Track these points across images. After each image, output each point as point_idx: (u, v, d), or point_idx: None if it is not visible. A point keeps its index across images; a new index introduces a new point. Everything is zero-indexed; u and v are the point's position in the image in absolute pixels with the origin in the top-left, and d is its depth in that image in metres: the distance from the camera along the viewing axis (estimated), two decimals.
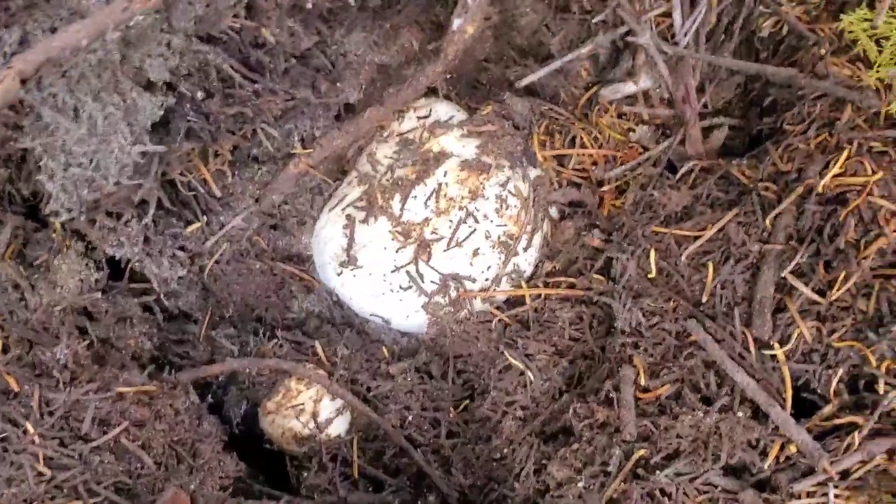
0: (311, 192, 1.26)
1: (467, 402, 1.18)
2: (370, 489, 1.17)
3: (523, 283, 1.18)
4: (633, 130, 1.24)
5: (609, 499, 0.92)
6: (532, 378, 1.11)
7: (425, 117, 1.22)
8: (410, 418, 1.17)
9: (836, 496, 0.86)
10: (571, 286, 1.16)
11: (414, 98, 1.22)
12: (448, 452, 1.16)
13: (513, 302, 1.19)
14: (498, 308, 1.18)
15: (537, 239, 1.19)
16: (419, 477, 1.16)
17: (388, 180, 1.17)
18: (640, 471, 0.94)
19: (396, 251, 1.15)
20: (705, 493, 0.90)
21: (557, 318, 1.16)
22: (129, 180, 0.99)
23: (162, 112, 0.99)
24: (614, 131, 1.22)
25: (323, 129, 1.24)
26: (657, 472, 0.92)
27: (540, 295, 1.17)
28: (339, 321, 1.25)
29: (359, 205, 1.18)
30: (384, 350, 1.22)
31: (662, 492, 0.91)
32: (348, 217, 1.18)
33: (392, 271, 1.15)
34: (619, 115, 1.22)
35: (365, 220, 1.17)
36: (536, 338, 1.15)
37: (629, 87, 1.20)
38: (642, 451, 0.95)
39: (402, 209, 1.16)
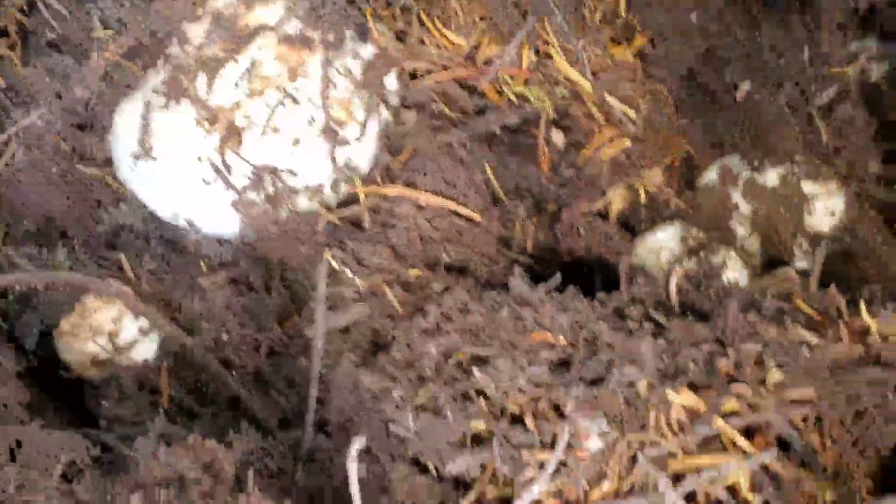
0: (123, 86, 1.09)
1: (295, 316, 1.01)
2: (183, 419, 1.01)
3: (357, 179, 1.01)
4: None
5: (421, 405, 0.76)
6: (360, 285, 0.95)
7: None
8: (227, 338, 1.00)
9: None
10: (413, 186, 1.00)
11: None
12: (269, 374, 0.99)
13: (346, 200, 1.03)
14: (327, 207, 1.01)
15: (372, 128, 1.02)
16: (237, 403, 1.00)
17: (194, 60, 1.00)
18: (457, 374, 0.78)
19: (201, 140, 0.98)
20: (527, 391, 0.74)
21: (397, 220, 0.99)
22: None
23: None
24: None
25: (129, 9, 1.08)
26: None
27: (377, 193, 1.00)
28: (154, 234, 1.08)
29: (161, 89, 1.00)
30: (202, 264, 1.05)
31: (480, 392, 0.76)
32: (146, 104, 1.00)
33: (194, 163, 0.97)
34: None
35: (165, 106, 0.99)
36: (370, 240, 0.98)
37: None
38: (461, 354, 0.79)
39: (208, 91, 0.98)
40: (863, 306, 0.69)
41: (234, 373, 0.99)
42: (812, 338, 0.68)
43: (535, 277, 0.97)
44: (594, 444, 0.68)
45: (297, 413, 0.96)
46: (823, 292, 0.73)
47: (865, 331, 0.69)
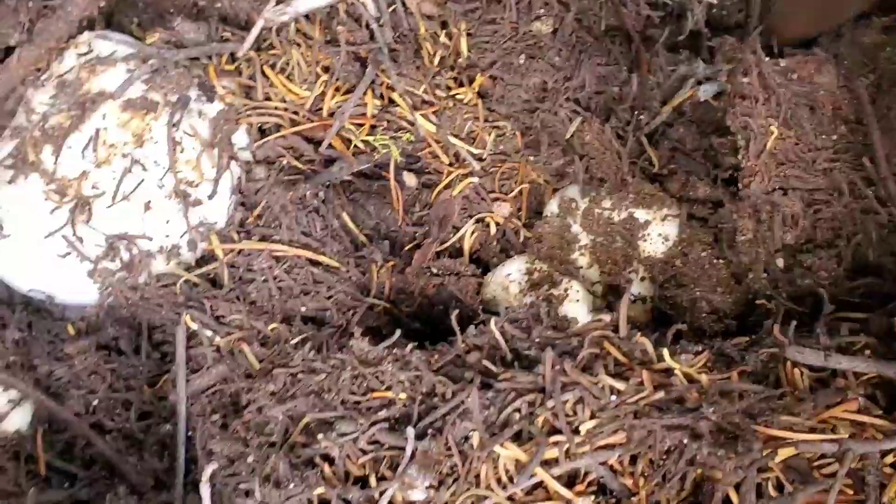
0: None
1: (166, 377, 1.03)
2: (64, 484, 1.02)
3: (213, 237, 1.03)
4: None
5: (266, 475, 0.79)
6: (220, 344, 0.97)
7: (85, 54, 1.05)
8: (96, 402, 1.02)
9: None
10: (269, 240, 1.02)
11: (69, 33, 1.05)
12: (140, 436, 1.01)
13: (205, 259, 1.04)
14: (187, 268, 1.03)
15: (225, 185, 1.03)
16: (112, 465, 1.01)
17: (39, 131, 1.00)
18: (303, 439, 0.82)
19: (51, 213, 0.98)
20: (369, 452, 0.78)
21: (255, 274, 1.02)
22: None
23: None
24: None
25: None
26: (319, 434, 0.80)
27: (234, 249, 1.02)
28: (18, 301, 1.08)
29: (7, 163, 1.00)
30: (69, 329, 1.06)
31: (325, 457, 0.79)
32: None
33: (46, 237, 0.98)
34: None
35: (13, 180, 0.99)
36: (229, 297, 1.01)
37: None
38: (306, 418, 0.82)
39: (55, 163, 0.99)
40: (665, 352, 0.74)
41: (107, 437, 1.01)
42: (619, 384, 0.73)
43: (395, 321, 1.00)
44: (418, 496, 0.72)
45: (170, 474, 0.99)
46: (632, 337, 0.78)
47: (669, 371, 0.74)
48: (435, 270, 1.01)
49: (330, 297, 0.99)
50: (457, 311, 0.87)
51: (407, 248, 1.07)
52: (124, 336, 1.04)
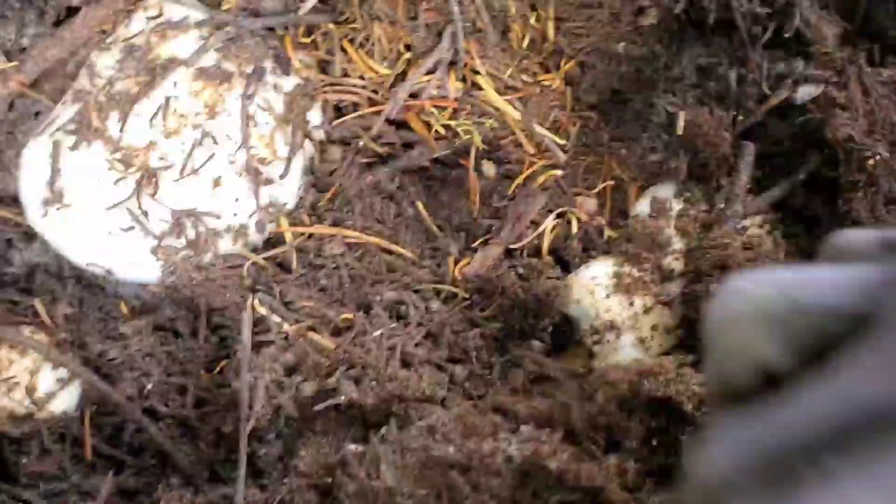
0: (31, 118, 1.04)
1: (224, 362, 0.98)
2: (110, 471, 0.97)
3: (283, 218, 0.97)
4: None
5: None
6: (289, 330, 0.92)
7: (155, 17, 0.99)
8: (150, 386, 0.97)
9: None
10: (341, 225, 0.97)
11: None
12: (196, 423, 0.96)
13: (272, 241, 0.99)
14: (254, 250, 0.98)
15: (298, 164, 0.98)
16: (164, 454, 0.96)
17: (105, 96, 0.95)
18: None
19: (115, 183, 0.93)
20: None
21: (326, 260, 0.96)
22: None
23: None
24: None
25: (33, 37, 1.02)
26: None
27: (304, 233, 0.97)
28: (68, 275, 1.03)
29: (69, 128, 0.95)
30: (122, 307, 1.01)
31: None
32: (55, 143, 0.94)
33: (109, 209, 0.92)
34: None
35: (75, 146, 0.94)
36: (298, 282, 0.95)
37: None
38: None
39: (121, 131, 0.93)
40: None
41: (159, 423, 0.95)
42: None
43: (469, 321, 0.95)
44: None
45: (227, 466, 0.93)
46: None
47: None
48: (521, 270, 0.96)
49: (407, 287, 0.94)
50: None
51: (479, 241, 1.01)
52: (182, 318, 0.99)
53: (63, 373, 0.96)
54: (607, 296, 0.92)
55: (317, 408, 0.87)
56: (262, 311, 0.91)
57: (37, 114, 1.04)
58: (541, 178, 1.00)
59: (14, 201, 1.03)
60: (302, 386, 0.89)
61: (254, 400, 0.88)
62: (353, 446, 0.84)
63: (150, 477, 0.96)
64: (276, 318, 0.91)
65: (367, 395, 0.88)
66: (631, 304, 0.91)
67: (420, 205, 0.99)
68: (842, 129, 0.90)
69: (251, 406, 0.88)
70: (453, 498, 0.76)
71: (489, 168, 1.01)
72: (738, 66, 1.00)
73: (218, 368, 0.98)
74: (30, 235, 1.03)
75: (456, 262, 0.97)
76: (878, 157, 0.89)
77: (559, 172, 1.01)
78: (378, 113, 0.97)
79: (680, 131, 0.94)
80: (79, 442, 0.97)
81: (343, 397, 0.88)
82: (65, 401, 0.97)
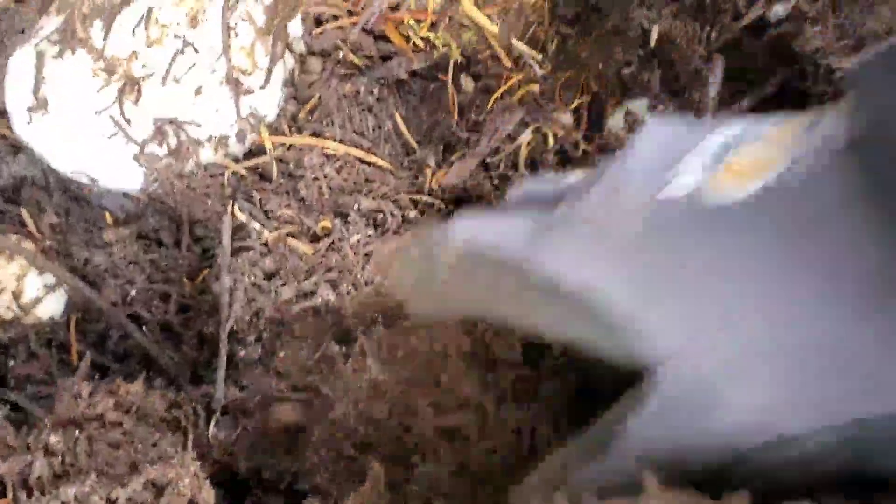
0: (15, 32, 1.05)
1: (207, 271, 1.00)
2: (95, 376, 0.99)
3: (263, 129, 0.99)
4: None
5: None
6: (268, 237, 0.94)
7: None
8: (134, 293, 0.99)
9: None
10: (321, 136, 0.98)
11: None
12: (179, 328, 0.99)
13: (253, 152, 1.01)
14: (235, 160, 1.00)
15: (278, 76, 0.99)
16: (149, 359, 0.99)
17: (89, 7, 0.96)
18: None
19: (98, 91, 0.94)
20: None
21: (305, 171, 0.98)
22: None
23: None
24: None
25: None
26: None
27: (284, 143, 0.98)
28: (55, 187, 1.05)
29: (54, 38, 0.96)
30: (107, 217, 1.03)
31: None
32: (39, 53, 0.96)
33: (92, 116, 0.94)
34: None
35: (59, 55, 0.95)
36: (278, 191, 0.97)
37: None
38: None
39: (104, 40, 0.95)
40: None
41: (143, 328, 0.98)
42: None
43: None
44: None
45: (209, 367, 0.96)
46: None
47: None
48: (496, 181, 0.98)
49: (384, 197, 0.96)
50: None
51: (457, 154, 1.03)
52: (165, 227, 1.01)
53: (49, 279, 0.98)
54: None
55: (294, 308, 0.89)
56: (242, 217, 0.94)
57: (23, 30, 1.05)
58: (518, 93, 1.02)
59: (2, 115, 1.04)
60: (281, 289, 0.92)
61: (233, 302, 0.90)
62: (337, 346, 0.87)
63: (135, 380, 0.98)
64: (255, 225, 0.93)
65: (344, 299, 0.90)
66: None
67: (398, 117, 1.00)
68: (811, 41, 0.92)
69: (230, 308, 0.91)
70: (439, 382, 0.78)
71: (467, 82, 1.02)
72: None
73: (201, 277, 1.00)
74: (16, 148, 1.05)
75: (433, 174, 0.98)
76: (845, 69, 0.90)
77: (536, 87, 1.02)
78: (358, 24, 0.98)
79: (653, 44, 0.95)
80: (65, 347, 1.00)
81: (320, 300, 0.90)
82: (51, 307, 0.99)
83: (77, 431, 0.70)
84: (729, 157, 0.50)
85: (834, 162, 0.46)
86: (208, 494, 0.71)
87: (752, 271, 0.47)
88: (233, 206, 0.93)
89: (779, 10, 1.02)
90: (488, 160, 1.01)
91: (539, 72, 1.01)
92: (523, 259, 0.50)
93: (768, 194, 0.47)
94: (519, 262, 0.50)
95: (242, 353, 0.93)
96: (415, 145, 1.03)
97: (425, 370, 0.81)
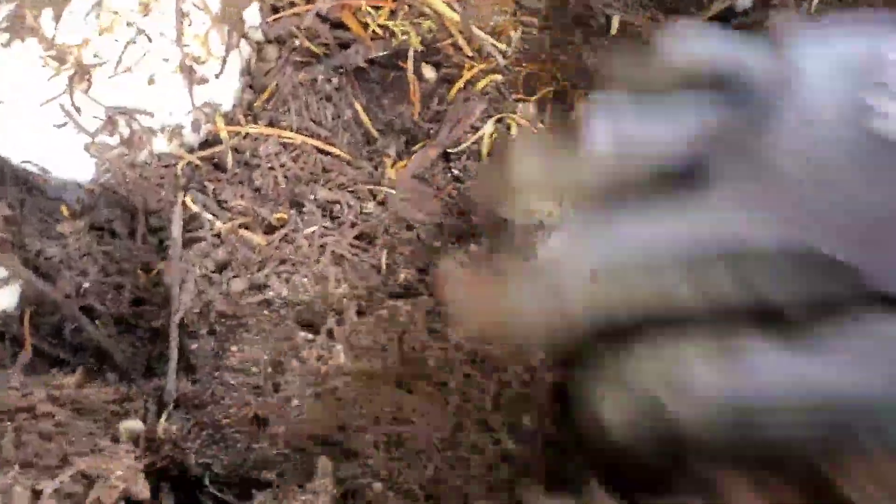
0: None
1: (161, 263, 0.98)
2: (49, 369, 0.98)
3: (218, 118, 0.97)
4: None
5: None
6: (221, 228, 0.92)
7: None
8: (88, 285, 0.97)
9: None
10: (277, 125, 0.96)
11: None
12: (132, 321, 0.97)
13: (209, 142, 0.99)
14: (190, 150, 0.98)
15: (234, 64, 0.98)
16: (102, 352, 0.97)
17: None
18: None
19: (48, 80, 0.93)
20: None
21: (261, 160, 0.96)
22: None
23: None
24: None
25: None
26: None
27: (239, 132, 0.97)
28: (8, 176, 1.03)
29: (3, 26, 0.94)
30: (63, 209, 1.01)
31: None
32: None
33: (42, 105, 0.92)
34: None
35: (8, 44, 0.93)
36: (232, 181, 0.96)
37: None
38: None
39: (55, 28, 0.93)
40: None
41: (97, 321, 0.96)
42: None
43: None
44: None
45: (162, 360, 0.94)
46: None
47: None
48: (457, 173, 0.96)
49: (342, 187, 0.94)
50: None
51: (419, 145, 1.01)
52: (119, 218, 0.99)
53: (2, 272, 0.97)
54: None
55: (245, 301, 0.88)
56: (195, 208, 0.92)
57: None
58: (481, 83, 1.00)
59: None
60: (232, 281, 0.90)
61: (183, 294, 0.89)
62: (303, 333, 0.85)
63: (88, 373, 0.97)
64: (208, 216, 0.92)
65: (297, 292, 0.89)
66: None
67: (358, 106, 0.99)
68: (777, 26, 0.90)
69: (180, 300, 0.89)
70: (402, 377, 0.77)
71: (429, 71, 1.01)
72: None
73: (156, 270, 0.98)
74: None
75: (393, 164, 0.97)
76: None
77: (499, 78, 1.00)
78: (315, 12, 0.96)
79: (614, 32, 0.93)
80: (19, 341, 0.98)
81: (272, 293, 0.89)
82: (4, 299, 0.98)
83: (8, 422, 0.68)
84: None
85: None
86: (144, 486, 0.70)
87: None
88: (184, 196, 0.91)
89: (745, 1, 1.00)
90: (450, 151, 1.00)
91: (502, 62, 0.99)
92: None
93: None
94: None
95: (195, 346, 0.91)
96: (375, 135, 1.01)
97: (393, 361, 0.81)
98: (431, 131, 1.01)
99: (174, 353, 0.89)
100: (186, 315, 0.90)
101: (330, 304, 0.91)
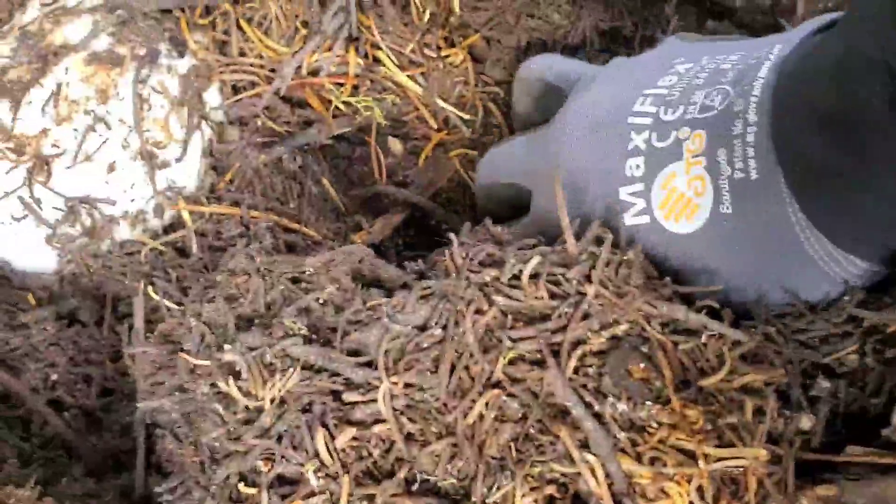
0: None
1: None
2: (18, 465, 0.96)
3: (182, 202, 0.96)
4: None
5: None
6: (190, 321, 0.90)
7: (49, 4, 0.97)
8: (56, 377, 0.95)
9: None
10: (241, 205, 0.95)
11: None
12: (100, 414, 0.95)
13: (174, 226, 0.97)
14: (154, 235, 0.96)
15: (195, 147, 0.96)
16: (70, 445, 0.95)
17: None
18: None
19: (6, 173, 0.91)
20: None
21: (225, 241, 0.94)
22: None
23: None
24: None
25: None
26: None
27: (204, 214, 0.95)
28: None
29: None
30: (30, 298, 0.99)
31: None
32: None
33: (0, 199, 0.91)
34: None
35: None
36: (195, 267, 0.94)
37: None
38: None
39: (13, 119, 0.92)
40: None
41: (65, 414, 0.94)
42: None
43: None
44: None
45: (130, 455, 0.92)
46: None
47: None
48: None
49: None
50: None
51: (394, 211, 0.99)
52: (86, 307, 0.97)
53: None
54: None
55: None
56: (156, 297, 0.90)
57: None
58: (453, 153, 0.98)
59: None
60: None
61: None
62: None
63: (57, 468, 0.95)
64: (168, 304, 0.90)
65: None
66: None
67: (326, 182, 0.97)
68: None
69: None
70: None
71: (395, 145, 0.99)
72: (643, 26, 0.98)
73: (123, 358, 0.96)
74: None
75: (358, 233, 0.95)
76: None
77: (468, 151, 0.99)
78: (275, 93, 0.95)
79: None
80: None
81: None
82: None
83: None
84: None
85: None
86: None
87: None
88: (145, 287, 0.89)
89: None
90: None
91: (467, 133, 0.98)
92: None
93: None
94: None
95: (165, 440, 0.89)
96: (343, 209, 0.99)
97: None
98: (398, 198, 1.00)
99: (142, 451, 0.87)
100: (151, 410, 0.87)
101: None
